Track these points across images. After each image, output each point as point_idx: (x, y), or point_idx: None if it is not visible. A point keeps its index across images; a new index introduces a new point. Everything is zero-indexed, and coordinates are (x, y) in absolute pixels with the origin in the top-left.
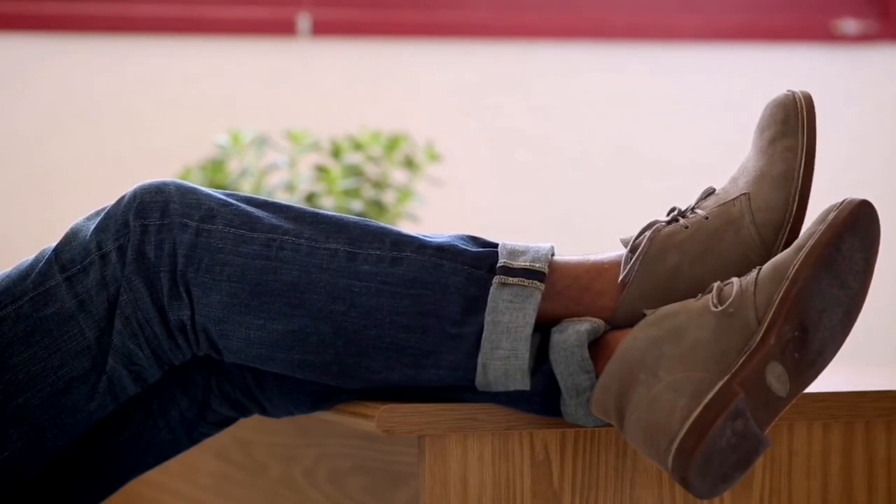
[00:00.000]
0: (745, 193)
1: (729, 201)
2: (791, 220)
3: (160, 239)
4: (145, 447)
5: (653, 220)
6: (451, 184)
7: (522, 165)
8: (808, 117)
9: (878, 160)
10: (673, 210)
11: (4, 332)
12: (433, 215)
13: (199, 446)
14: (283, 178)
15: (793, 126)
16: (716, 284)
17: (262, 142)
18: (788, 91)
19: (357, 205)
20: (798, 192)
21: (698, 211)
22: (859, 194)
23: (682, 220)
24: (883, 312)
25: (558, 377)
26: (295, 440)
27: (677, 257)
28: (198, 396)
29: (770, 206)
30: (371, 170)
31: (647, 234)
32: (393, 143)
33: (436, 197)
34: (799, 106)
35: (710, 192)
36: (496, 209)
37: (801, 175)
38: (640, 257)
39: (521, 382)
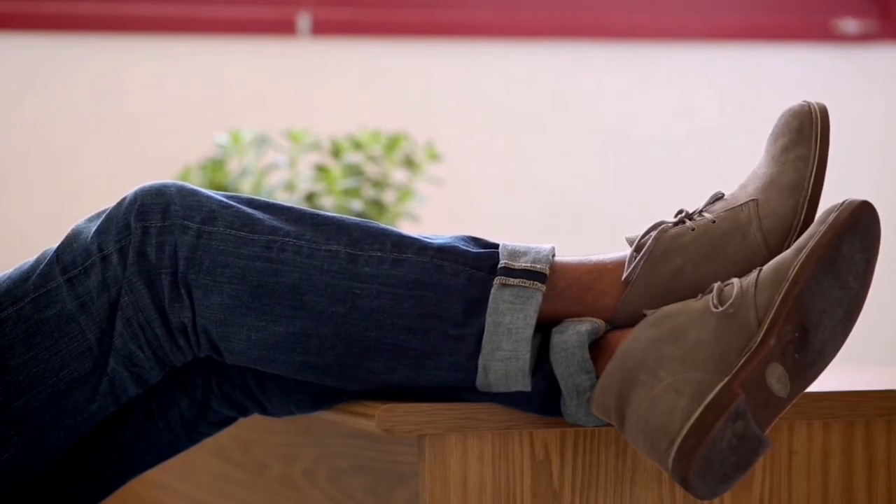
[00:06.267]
0: (753, 199)
1: (737, 206)
2: (798, 228)
3: (161, 241)
4: (145, 447)
5: (659, 220)
6: (451, 184)
7: (523, 165)
8: (823, 128)
9: (878, 160)
10: (680, 212)
11: (6, 333)
12: (433, 215)
13: (199, 446)
14: (283, 177)
15: (806, 136)
16: (716, 285)
17: (262, 142)
18: (804, 101)
19: (357, 204)
20: (807, 202)
21: (706, 214)
22: (859, 194)
23: (688, 223)
24: (883, 312)
25: (559, 377)
26: (295, 440)
27: (681, 259)
28: (198, 396)
29: (778, 214)
30: (371, 169)
31: (654, 234)
32: (393, 143)
33: (436, 197)
34: (814, 116)
35: (718, 197)
36: (496, 209)
37: (811, 185)
38: (645, 256)
39: (522, 383)
